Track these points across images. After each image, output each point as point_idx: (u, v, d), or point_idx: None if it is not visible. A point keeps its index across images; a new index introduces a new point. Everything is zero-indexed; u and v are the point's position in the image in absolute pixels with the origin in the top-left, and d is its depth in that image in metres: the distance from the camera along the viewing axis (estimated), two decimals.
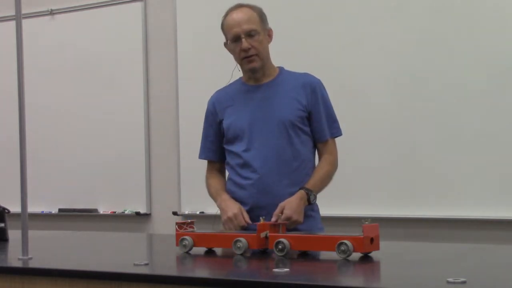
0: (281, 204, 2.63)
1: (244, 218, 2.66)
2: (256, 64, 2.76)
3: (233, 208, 2.69)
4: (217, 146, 2.89)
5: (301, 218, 2.65)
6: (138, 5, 5.17)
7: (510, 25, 4.05)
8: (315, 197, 2.74)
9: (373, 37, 4.36)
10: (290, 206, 2.63)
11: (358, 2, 4.43)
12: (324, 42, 4.48)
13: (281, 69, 2.87)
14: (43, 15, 5.46)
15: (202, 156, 2.94)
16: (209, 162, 2.94)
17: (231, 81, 2.92)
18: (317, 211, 2.83)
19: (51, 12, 5.45)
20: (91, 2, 5.31)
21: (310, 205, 2.73)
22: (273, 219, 2.56)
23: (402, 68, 4.28)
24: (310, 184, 2.72)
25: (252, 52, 2.73)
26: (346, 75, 4.38)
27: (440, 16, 4.20)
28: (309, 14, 4.55)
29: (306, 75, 2.84)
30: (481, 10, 4.11)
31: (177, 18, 4.99)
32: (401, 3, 4.30)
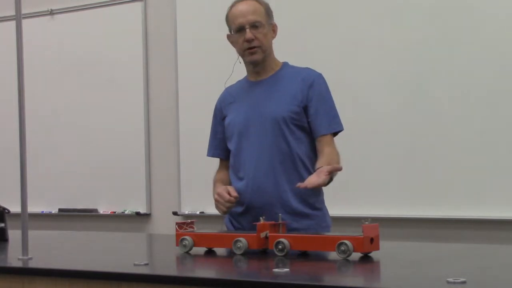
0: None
1: (229, 193, 2.61)
2: (257, 56, 2.72)
3: (217, 189, 2.67)
4: (225, 143, 2.84)
5: (321, 179, 2.52)
6: (138, 5, 5.17)
7: (511, 25, 4.05)
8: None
9: (373, 37, 4.36)
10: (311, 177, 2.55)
11: (358, 2, 4.43)
12: (324, 42, 4.48)
13: (284, 64, 2.82)
14: (43, 15, 5.46)
15: (209, 153, 2.91)
16: (220, 160, 2.91)
17: (231, 76, 2.86)
18: (321, 209, 2.77)
19: (51, 12, 5.45)
20: (91, 2, 5.31)
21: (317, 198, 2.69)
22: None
23: (402, 68, 4.28)
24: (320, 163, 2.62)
25: (255, 43, 2.69)
26: (346, 75, 4.38)
27: (441, 16, 4.20)
28: (309, 14, 4.55)
29: (306, 69, 2.80)
30: (482, 10, 4.10)
31: (177, 18, 4.99)
32: (402, 3, 4.30)
